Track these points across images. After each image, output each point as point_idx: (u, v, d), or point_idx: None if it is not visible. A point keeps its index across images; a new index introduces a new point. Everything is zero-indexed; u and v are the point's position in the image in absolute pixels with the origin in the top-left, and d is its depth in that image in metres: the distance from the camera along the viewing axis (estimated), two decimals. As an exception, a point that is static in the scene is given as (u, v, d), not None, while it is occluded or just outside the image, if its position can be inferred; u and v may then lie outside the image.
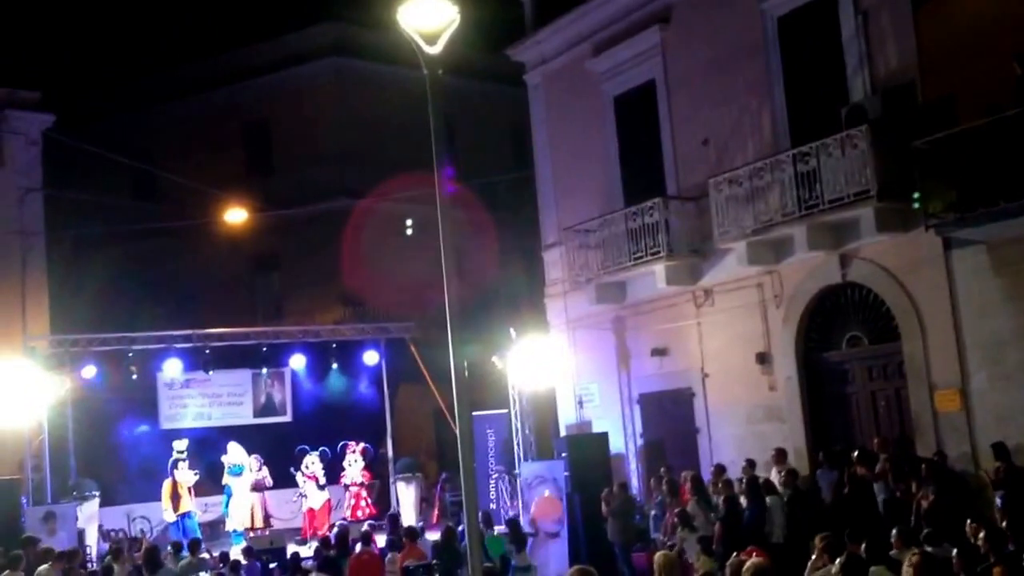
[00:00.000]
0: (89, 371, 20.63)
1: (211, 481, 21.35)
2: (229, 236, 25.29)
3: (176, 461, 20.41)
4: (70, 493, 19.43)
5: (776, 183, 15.57)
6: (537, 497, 18.25)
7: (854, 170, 14.43)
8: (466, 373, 8.45)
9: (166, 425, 22.09)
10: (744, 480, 14.97)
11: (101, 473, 20.76)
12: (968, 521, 10.45)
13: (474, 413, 17.39)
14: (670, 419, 18.89)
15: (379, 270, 25.16)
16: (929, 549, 9.53)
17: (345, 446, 22.04)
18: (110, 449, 21.52)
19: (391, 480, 22.67)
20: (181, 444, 20.77)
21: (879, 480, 13.87)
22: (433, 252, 8.56)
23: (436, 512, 22.09)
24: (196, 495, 20.70)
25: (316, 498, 21.05)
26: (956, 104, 13.82)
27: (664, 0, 18.68)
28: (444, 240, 8.19)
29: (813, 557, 10.34)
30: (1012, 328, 13.64)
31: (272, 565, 16.54)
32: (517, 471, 20.07)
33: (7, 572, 13.75)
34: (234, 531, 20.57)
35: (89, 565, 17.39)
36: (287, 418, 23.29)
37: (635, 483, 19.07)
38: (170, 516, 20.19)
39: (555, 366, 20.01)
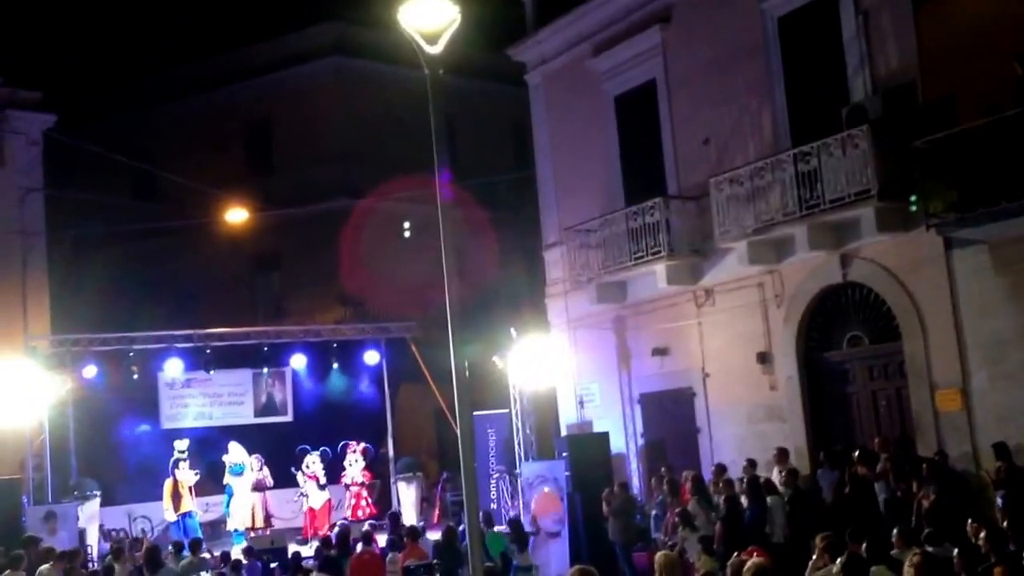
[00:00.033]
0: (90, 371, 20.67)
1: (212, 481, 21.37)
2: (230, 236, 25.30)
3: (177, 461, 20.44)
4: (71, 493, 19.44)
5: (777, 183, 15.57)
6: (536, 494, 18.25)
7: (855, 170, 14.43)
8: (467, 373, 8.46)
9: (167, 425, 22.11)
10: (745, 480, 14.96)
11: (102, 473, 20.78)
12: (969, 521, 10.45)
13: (475, 413, 17.46)
14: (671, 419, 18.89)
15: (380, 270, 25.15)
16: (930, 549, 9.52)
17: (346, 446, 22.05)
18: (111, 449, 21.54)
19: (392, 480, 22.68)
20: (182, 444, 20.80)
21: (880, 480, 13.87)
22: (434, 252, 8.56)
23: (437, 512, 22.09)
24: (197, 495, 20.73)
25: (317, 498, 21.06)
26: (956, 104, 13.82)
27: (664, 0, 18.69)
28: (445, 240, 8.20)
29: (814, 557, 10.32)
30: (1013, 328, 13.63)
31: (273, 565, 16.54)
32: (518, 471, 20.06)
33: (8, 572, 13.76)
34: (235, 531, 20.60)
35: (90, 565, 17.41)
36: (288, 418, 23.31)
37: (636, 483, 19.07)
38: (171, 516, 20.20)
39: (556, 366, 20.00)
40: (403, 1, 7.90)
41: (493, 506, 20.54)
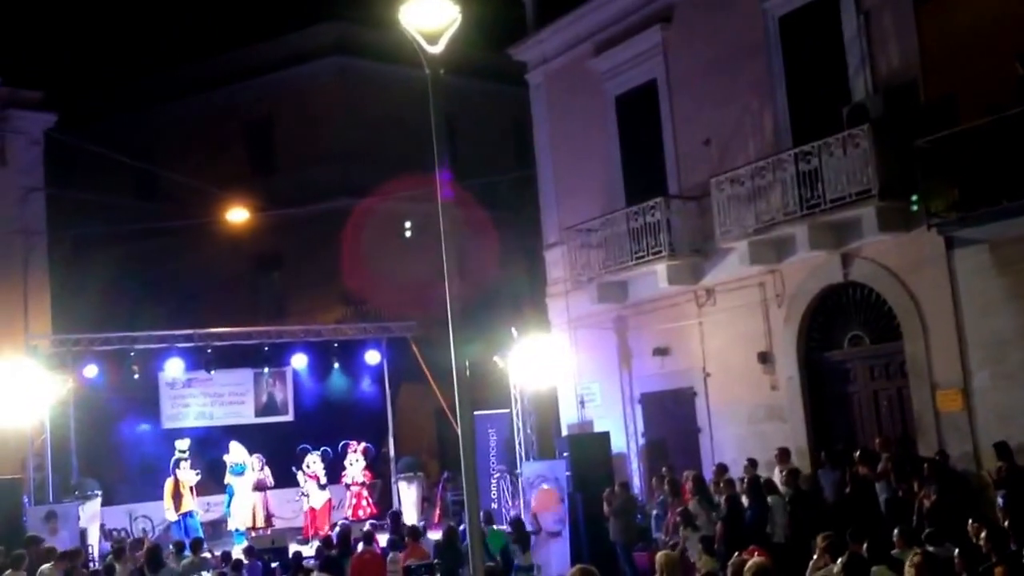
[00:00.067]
0: (91, 370, 20.67)
1: (213, 480, 21.36)
2: (231, 236, 25.30)
3: (178, 460, 20.44)
4: (72, 492, 19.46)
5: (778, 182, 15.56)
6: (535, 491, 18.25)
7: (856, 169, 14.43)
8: (468, 372, 8.47)
9: (168, 424, 22.10)
10: (746, 480, 14.96)
11: (103, 472, 20.79)
12: (970, 521, 10.42)
13: (476, 412, 17.43)
14: (672, 418, 18.89)
15: (381, 269, 25.15)
16: (931, 549, 9.52)
17: (346, 445, 22.05)
18: (112, 448, 21.54)
19: (392, 479, 22.69)
20: (183, 443, 20.80)
21: (881, 480, 13.87)
22: (435, 251, 8.55)
23: (438, 511, 22.09)
24: (198, 494, 20.72)
25: (317, 497, 21.06)
26: (958, 103, 13.82)
27: (665, 0, 18.68)
28: (445, 239, 8.20)
29: (815, 557, 10.32)
30: (1014, 327, 13.62)
31: (274, 564, 16.55)
32: (519, 470, 20.06)
33: (9, 572, 13.76)
34: (236, 530, 20.61)
35: (91, 564, 17.39)
36: (289, 417, 23.30)
37: (637, 482, 19.07)
38: (172, 515, 20.20)
39: (557, 365, 20.01)
40: (404, 1, 7.91)
41: (494, 506, 20.55)
